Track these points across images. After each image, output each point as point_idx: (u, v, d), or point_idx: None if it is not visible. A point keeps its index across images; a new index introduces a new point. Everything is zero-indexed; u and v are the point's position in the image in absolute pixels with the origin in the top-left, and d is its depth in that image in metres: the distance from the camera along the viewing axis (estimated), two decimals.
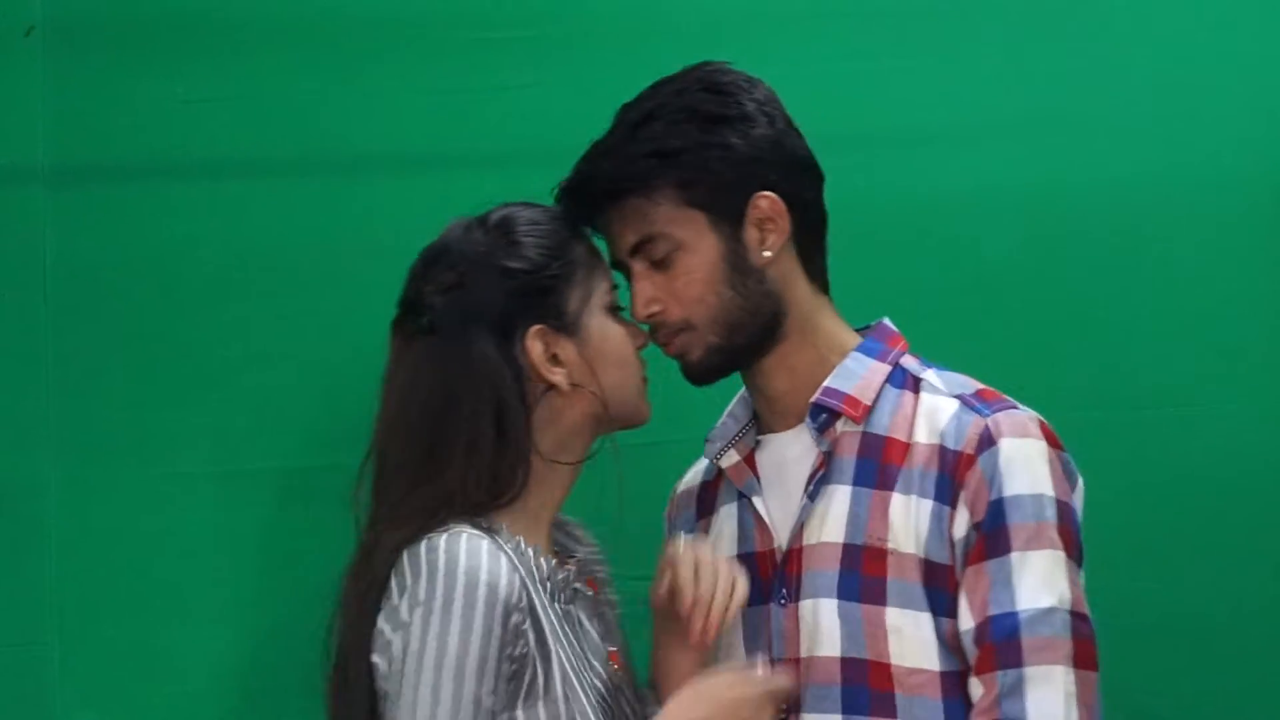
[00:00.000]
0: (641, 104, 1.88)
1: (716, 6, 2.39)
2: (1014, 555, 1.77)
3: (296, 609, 2.08)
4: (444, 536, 1.78)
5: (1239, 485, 2.38)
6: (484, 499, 1.84)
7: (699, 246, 1.85)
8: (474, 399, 1.83)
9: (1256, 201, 2.41)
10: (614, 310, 1.92)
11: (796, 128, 1.91)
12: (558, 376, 1.87)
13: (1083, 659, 1.77)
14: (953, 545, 1.80)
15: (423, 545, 1.78)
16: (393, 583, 1.79)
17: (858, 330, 1.94)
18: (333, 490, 1.99)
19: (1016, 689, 1.75)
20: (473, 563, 1.75)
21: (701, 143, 1.84)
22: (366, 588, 1.83)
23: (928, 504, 1.81)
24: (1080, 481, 1.87)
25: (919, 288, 2.33)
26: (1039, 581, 1.77)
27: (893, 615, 1.81)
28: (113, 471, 2.34)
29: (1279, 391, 2.39)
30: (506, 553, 1.80)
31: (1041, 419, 1.85)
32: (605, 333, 1.89)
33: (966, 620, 1.78)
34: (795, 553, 1.87)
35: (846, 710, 1.83)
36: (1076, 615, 1.77)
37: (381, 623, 1.79)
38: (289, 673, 2.13)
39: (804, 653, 1.84)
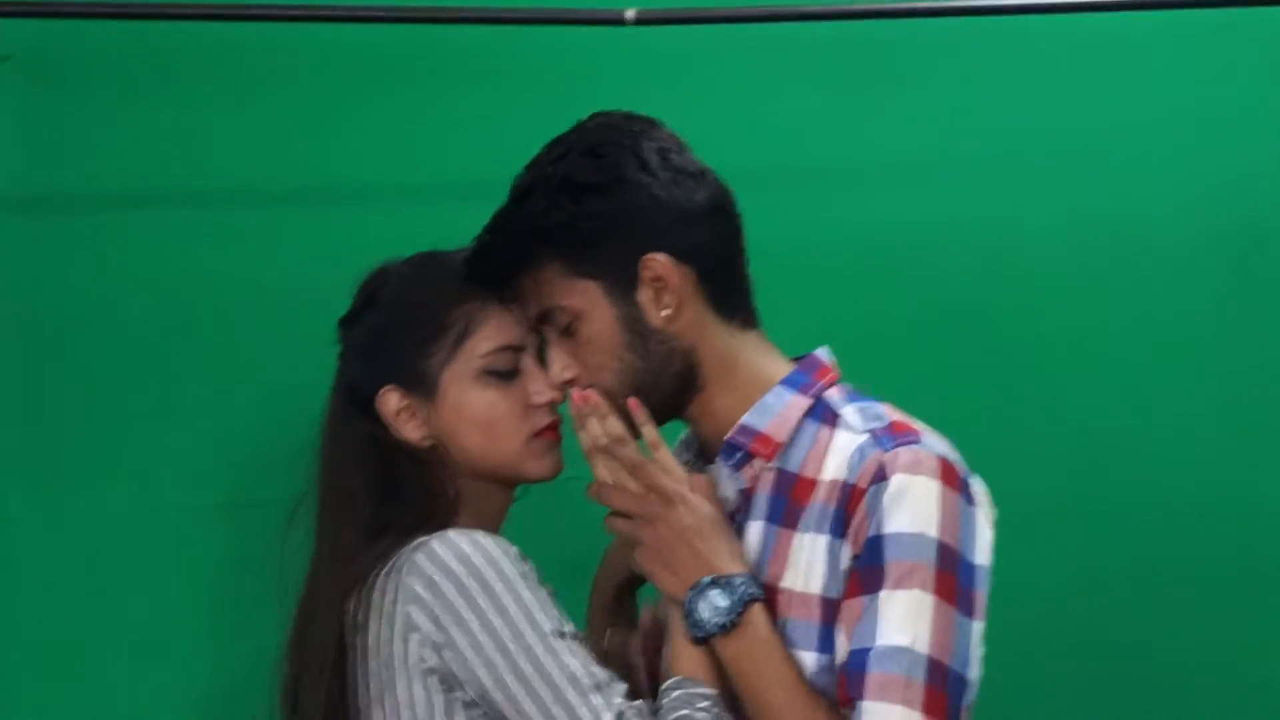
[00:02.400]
0: (527, 173, 1.88)
1: (687, 41, 2.38)
2: (883, 593, 1.73)
3: (259, 641, 2.06)
4: (430, 543, 1.83)
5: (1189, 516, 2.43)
6: (413, 523, 1.89)
7: (594, 315, 1.85)
8: (346, 454, 1.95)
9: (1215, 243, 2.44)
10: (498, 372, 1.94)
11: (696, 172, 1.86)
12: (409, 432, 1.94)
13: (930, 707, 1.70)
14: (842, 579, 1.78)
15: (420, 559, 1.82)
16: (415, 614, 1.81)
17: (793, 359, 1.92)
18: (297, 523, 1.99)
19: None
20: (472, 540, 1.82)
21: (576, 215, 1.82)
22: (313, 616, 1.89)
23: (823, 540, 1.79)
24: (986, 529, 1.79)
25: (869, 321, 2.35)
26: (898, 619, 1.72)
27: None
28: (80, 501, 2.34)
29: (1231, 431, 2.43)
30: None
31: (948, 457, 1.79)
32: (465, 397, 1.93)
33: (840, 655, 1.75)
34: None
35: None
36: (934, 661, 1.71)
37: (432, 655, 1.81)
38: (252, 705, 2.11)
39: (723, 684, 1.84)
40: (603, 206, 1.82)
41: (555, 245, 1.83)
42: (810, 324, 1.97)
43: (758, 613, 1.79)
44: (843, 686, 1.74)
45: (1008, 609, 1.83)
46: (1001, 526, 1.81)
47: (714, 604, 1.78)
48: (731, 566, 1.80)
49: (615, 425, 1.85)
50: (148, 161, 2.38)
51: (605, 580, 2.07)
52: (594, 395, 1.86)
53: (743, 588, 1.78)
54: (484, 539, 1.83)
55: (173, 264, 2.37)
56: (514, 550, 1.84)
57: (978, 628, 1.76)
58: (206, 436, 2.36)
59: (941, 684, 1.72)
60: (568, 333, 1.87)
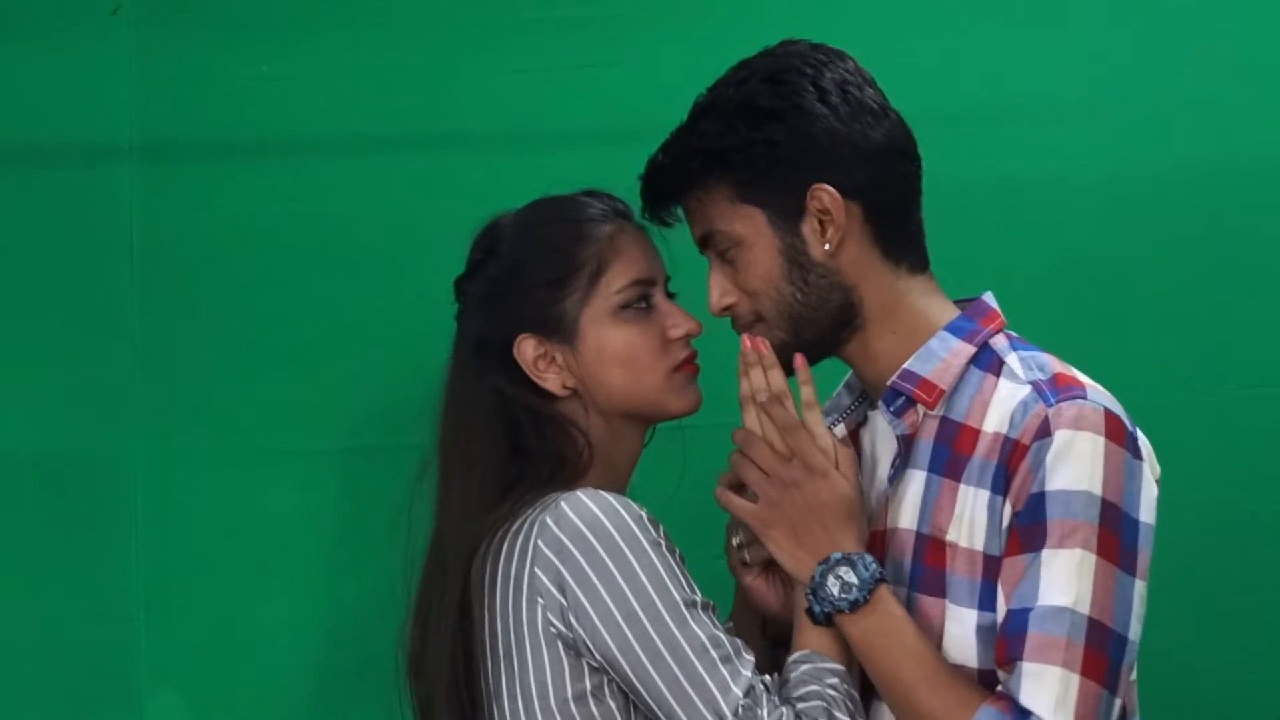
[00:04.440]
0: (708, 94, 1.87)
1: None
2: (1045, 552, 1.71)
3: (377, 585, 2.09)
4: (560, 504, 1.81)
5: None
6: (541, 479, 1.89)
7: (757, 242, 1.83)
8: (474, 411, 1.92)
9: None
10: (633, 306, 1.92)
11: (877, 109, 1.85)
12: (550, 381, 1.92)
13: (1089, 668, 1.69)
14: (1003, 537, 1.76)
15: (549, 521, 1.80)
16: (544, 579, 1.80)
17: (959, 303, 1.90)
18: (411, 468, 2.00)
19: (1016, 683, 1.70)
20: (603, 503, 1.80)
21: (750, 139, 1.81)
22: (443, 571, 1.89)
23: (985, 495, 1.76)
24: (1152, 485, 1.77)
25: (1002, 267, 2.31)
26: (1060, 580, 1.70)
27: (945, 608, 1.79)
28: (198, 447, 2.36)
29: None
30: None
31: (1114, 411, 1.76)
32: (606, 335, 1.91)
33: (1000, 614, 1.74)
34: (879, 535, 1.86)
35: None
36: (1094, 622, 1.70)
37: (560, 621, 1.80)
38: (368, 648, 2.15)
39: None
40: (777, 134, 1.81)
41: (726, 168, 1.82)
42: (957, 269, 1.95)
43: (886, 591, 1.78)
44: (1002, 647, 1.72)
45: None
46: None
47: (844, 580, 1.77)
48: (858, 548, 1.80)
49: (778, 379, 1.84)
50: (258, 108, 2.38)
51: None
52: (764, 344, 1.85)
53: (873, 566, 1.78)
54: (615, 501, 1.81)
55: (287, 210, 2.38)
56: (645, 514, 1.81)
57: (1140, 586, 1.74)
58: (322, 382, 2.37)
59: (1102, 646, 1.71)
60: (727, 259, 1.86)
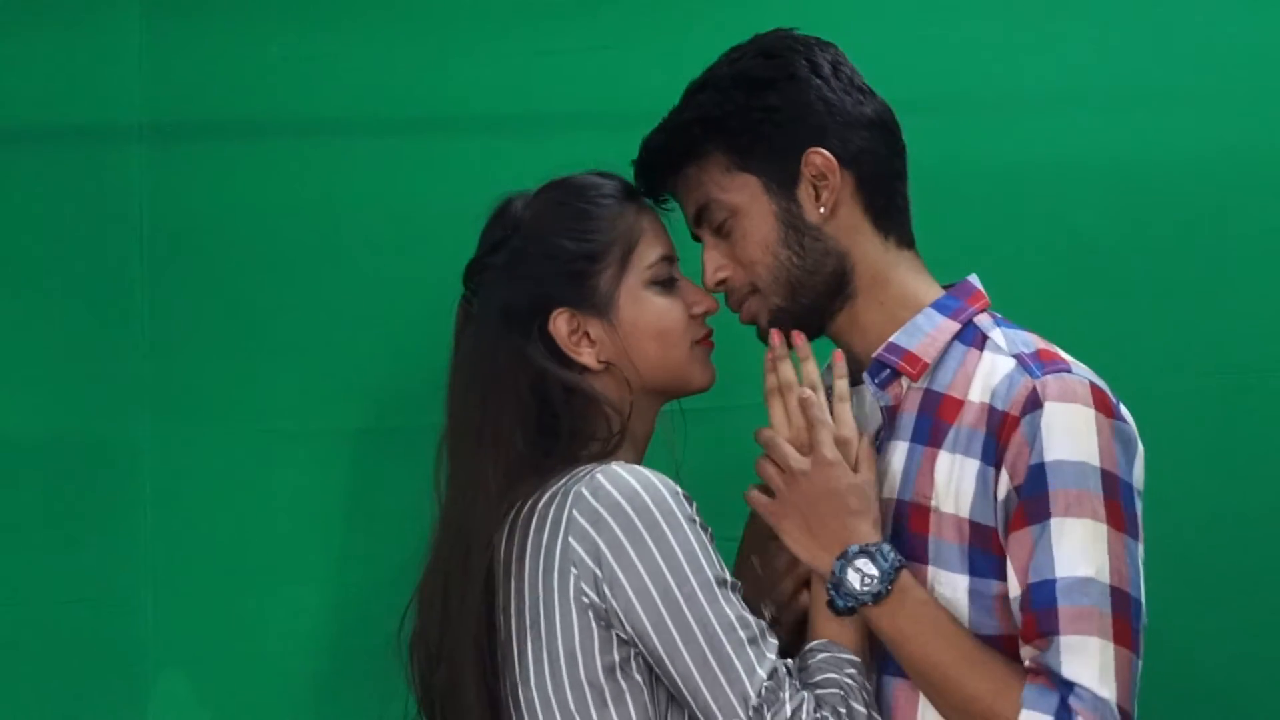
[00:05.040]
0: (703, 74, 1.92)
1: None
2: (1053, 521, 1.74)
3: (387, 569, 2.09)
4: (596, 476, 1.82)
5: None
6: (566, 456, 1.89)
7: (753, 210, 1.89)
8: (514, 384, 1.91)
9: None
10: (662, 282, 1.95)
11: (865, 89, 1.92)
12: (585, 356, 1.92)
13: (1120, 635, 1.73)
14: (996, 507, 1.78)
15: (585, 493, 1.81)
16: (579, 549, 1.80)
17: (945, 286, 1.94)
18: (422, 450, 2.00)
19: (1055, 656, 1.72)
20: (640, 477, 1.81)
21: (746, 105, 1.87)
22: (465, 550, 1.88)
23: (973, 464, 1.80)
24: (1140, 451, 1.82)
25: (1006, 251, 2.33)
26: (1077, 550, 1.73)
27: (931, 574, 1.81)
28: (207, 430, 2.35)
29: None
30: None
31: (1098, 384, 1.80)
32: (640, 308, 1.93)
33: (1014, 587, 1.77)
34: None
35: (880, 662, 1.86)
36: (1116, 590, 1.74)
37: (593, 591, 1.80)
38: (378, 632, 2.12)
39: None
40: (773, 100, 1.87)
41: (723, 134, 1.88)
42: (939, 254, 1.97)
43: (908, 577, 1.79)
44: (1030, 622, 1.74)
45: None
46: None
47: (864, 573, 1.79)
48: (874, 536, 1.81)
49: (812, 372, 1.88)
50: (268, 89, 2.37)
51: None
52: (800, 336, 1.88)
53: (892, 555, 1.79)
54: (652, 475, 1.82)
55: (297, 192, 2.37)
56: (680, 490, 1.83)
57: (1140, 549, 1.78)
58: (333, 365, 2.36)
59: (1126, 612, 1.74)
60: (722, 232, 1.91)
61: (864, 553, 1.79)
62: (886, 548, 1.79)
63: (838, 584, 1.80)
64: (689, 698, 1.78)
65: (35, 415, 2.34)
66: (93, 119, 2.36)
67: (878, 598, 1.79)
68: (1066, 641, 1.72)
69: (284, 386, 2.36)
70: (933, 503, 1.82)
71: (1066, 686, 1.72)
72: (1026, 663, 1.75)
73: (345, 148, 2.38)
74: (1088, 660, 1.71)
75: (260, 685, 2.35)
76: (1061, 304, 2.33)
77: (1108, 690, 1.71)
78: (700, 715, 1.77)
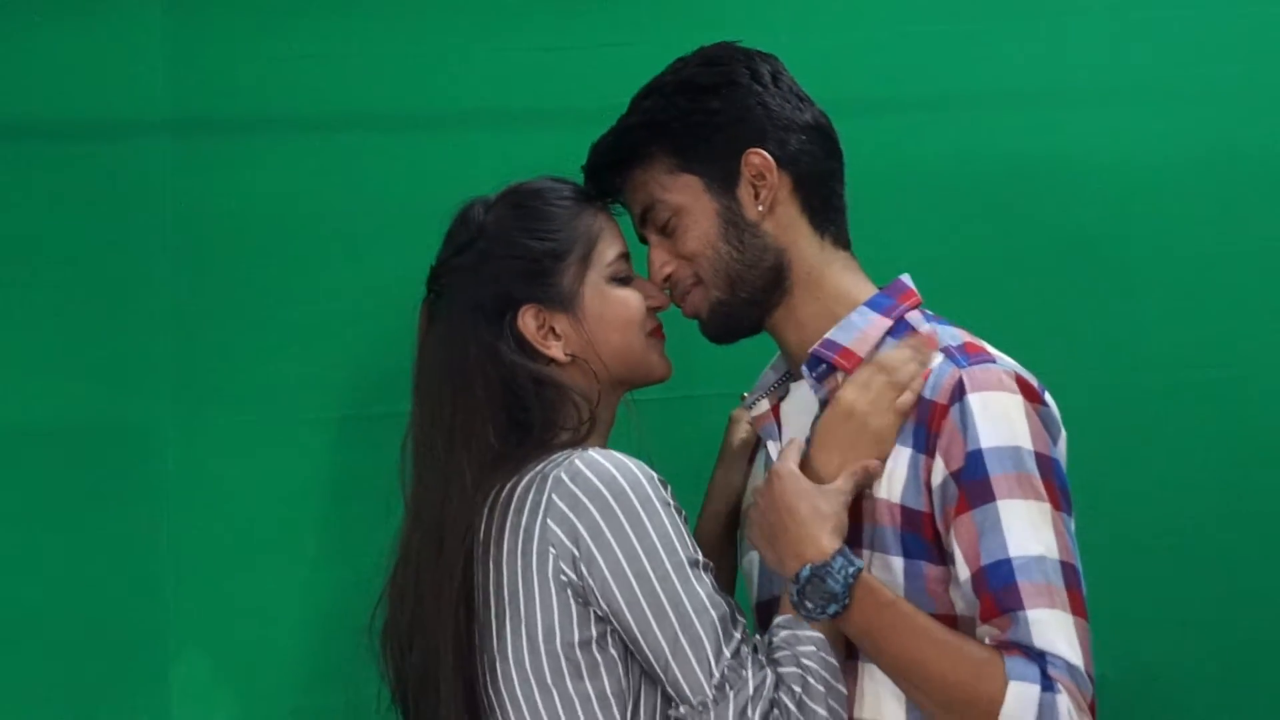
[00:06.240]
0: (649, 83, 2.01)
1: None
2: (999, 504, 1.80)
3: (379, 547, 2.10)
4: (574, 461, 1.88)
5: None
6: (536, 447, 1.94)
7: (696, 209, 1.97)
8: (484, 380, 1.97)
9: None
10: (621, 278, 2.02)
11: (803, 96, 2.00)
12: (553, 349, 1.99)
13: (1075, 607, 1.80)
14: (930, 493, 1.85)
15: (564, 477, 1.87)
16: (558, 530, 1.86)
17: (879, 287, 2.00)
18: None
19: (1024, 630, 1.77)
20: (616, 461, 1.88)
21: (689, 110, 1.95)
22: (439, 544, 1.93)
23: (905, 452, 1.87)
24: (1063, 434, 1.89)
25: (952, 249, 2.34)
26: (1027, 529, 1.80)
27: (867, 557, 1.87)
28: (230, 417, 2.40)
29: None
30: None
31: (1021, 373, 1.88)
32: (604, 301, 2.00)
33: (963, 571, 1.82)
34: None
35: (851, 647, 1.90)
36: (1065, 565, 1.80)
37: (571, 570, 1.86)
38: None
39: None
40: (714, 104, 1.96)
41: (667, 137, 1.97)
42: (886, 251, 2.04)
43: (867, 581, 1.83)
44: (989, 601, 1.79)
45: None
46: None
47: (822, 592, 1.83)
48: (830, 547, 1.83)
49: None
50: (289, 84, 2.42)
51: (711, 512, 2.13)
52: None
53: (843, 571, 1.82)
54: (628, 461, 1.89)
55: (313, 184, 2.41)
56: (655, 475, 1.89)
57: (1073, 523, 1.86)
58: (356, 352, 2.40)
59: (1076, 583, 1.82)
60: (666, 230, 1.99)
61: (815, 575, 1.83)
62: (838, 563, 1.82)
63: (798, 606, 1.85)
64: (659, 672, 1.85)
65: (62, 402, 2.39)
66: (118, 113, 2.41)
67: (837, 614, 1.83)
68: (1033, 615, 1.77)
69: (307, 375, 2.40)
70: (867, 489, 1.88)
71: (1041, 657, 1.77)
72: (988, 641, 1.79)
73: (366, 142, 2.42)
74: (1057, 631, 1.77)
75: (282, 665, 2.40)
76: (1061, 304, 2.35)
77: (1077, 658, 1.78)
78: (670, 689, 1.85)
